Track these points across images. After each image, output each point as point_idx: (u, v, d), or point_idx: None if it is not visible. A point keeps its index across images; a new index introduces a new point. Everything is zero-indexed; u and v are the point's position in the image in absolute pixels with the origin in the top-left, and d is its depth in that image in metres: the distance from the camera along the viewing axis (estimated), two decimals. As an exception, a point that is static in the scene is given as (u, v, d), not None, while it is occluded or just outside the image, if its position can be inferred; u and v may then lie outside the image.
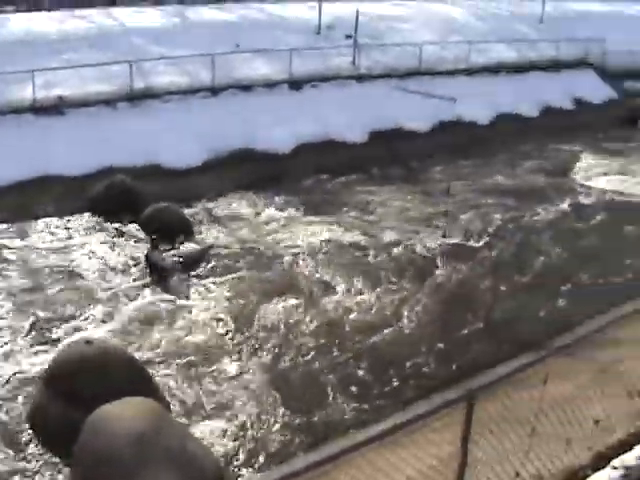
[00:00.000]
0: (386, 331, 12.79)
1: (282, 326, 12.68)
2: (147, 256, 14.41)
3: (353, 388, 10.98)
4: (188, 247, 15.27)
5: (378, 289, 14.35)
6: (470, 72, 30.32)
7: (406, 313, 13.46)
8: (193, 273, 14.28)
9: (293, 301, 13.58)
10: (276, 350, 11.92)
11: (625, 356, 6.84)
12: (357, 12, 28.92)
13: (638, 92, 35.07)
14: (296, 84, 25.14)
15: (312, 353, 11.90)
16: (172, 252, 14.77)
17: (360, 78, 26.85)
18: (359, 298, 13.98)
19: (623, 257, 16.78)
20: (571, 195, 21.28)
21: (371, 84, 26.70)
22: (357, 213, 18.88)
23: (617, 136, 29.50)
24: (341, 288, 14.31)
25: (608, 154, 26.40)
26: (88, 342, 9.93)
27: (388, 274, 15.07)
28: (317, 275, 14.84)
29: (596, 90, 33.68)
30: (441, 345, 12.41)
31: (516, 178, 22.95)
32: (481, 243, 17.18)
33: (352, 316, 13.24)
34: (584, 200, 20.93)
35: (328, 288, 14.27)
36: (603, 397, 6.26)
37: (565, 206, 20.31)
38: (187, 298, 13.15)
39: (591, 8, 45.49)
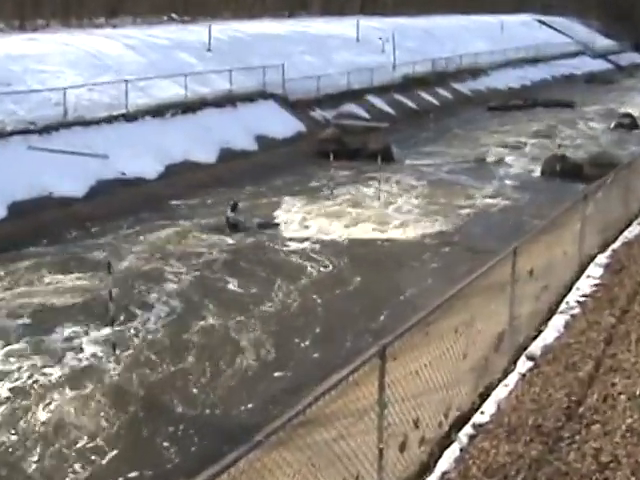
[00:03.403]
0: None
1: None
2: (228, 217, 24.15)
3: None
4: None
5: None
6: (130, 117, 30.76)
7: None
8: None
9: None
10: None
11: (338, 434, 7.10)
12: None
13: (328, 121, 37.87)
14: None
15: None
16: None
17: (-11, 138, 25.94)
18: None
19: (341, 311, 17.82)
20: (275, 251, 22.32)
21: (4, 144, 25.82)
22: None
23: (310, 174, 31.33)
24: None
25: (305, 197, 27.86)
26: None
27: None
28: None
29: (280, 124, 35.92)
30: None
31: (193, 238, 23.40)
32: (158, 325, 17.19)
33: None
34: (295, 254, 22.11)
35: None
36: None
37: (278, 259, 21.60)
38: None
39: (267, 30, 48.32)
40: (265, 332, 16.92)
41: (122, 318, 17.28)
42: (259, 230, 23.94)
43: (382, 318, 17.61)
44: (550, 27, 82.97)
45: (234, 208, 24.27)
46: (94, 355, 15.80)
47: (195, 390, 14.57)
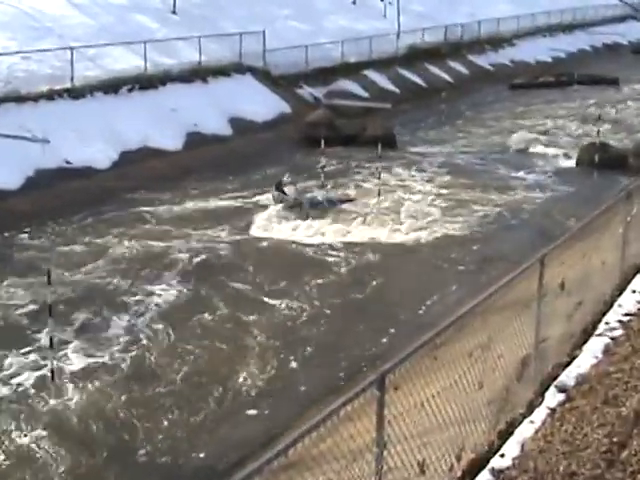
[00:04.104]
0: None
1: None
2: (273, 195, 26.82)
3: None
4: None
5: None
6: (77, 93, 30.78)
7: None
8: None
9: None
10: None
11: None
12: None
13: (317, 101, 37.87)
14: None
15: None
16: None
17: None
18: None
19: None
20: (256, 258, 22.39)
21: None
22: None
23: (297, 164, 31.29)
24: None
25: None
26: None
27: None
28: None
29: (260, 103, 35.99)
30: None
31: (150, 242, 23.33)
32: (106, 345, 17.09)
33: None
34: (285, 259, 22.34)
35: None
36: None
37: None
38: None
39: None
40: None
41: (64, 338, 17.21)
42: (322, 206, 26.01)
43: (385, 340, 17.70)
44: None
45: (278, 186, 26.52)
46: (28, 384, 15.65)
47: (138, 436, 14.56)
